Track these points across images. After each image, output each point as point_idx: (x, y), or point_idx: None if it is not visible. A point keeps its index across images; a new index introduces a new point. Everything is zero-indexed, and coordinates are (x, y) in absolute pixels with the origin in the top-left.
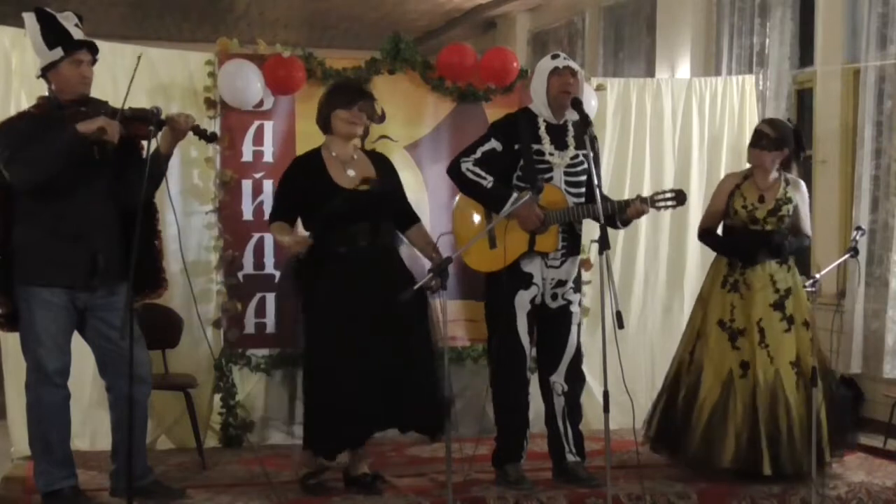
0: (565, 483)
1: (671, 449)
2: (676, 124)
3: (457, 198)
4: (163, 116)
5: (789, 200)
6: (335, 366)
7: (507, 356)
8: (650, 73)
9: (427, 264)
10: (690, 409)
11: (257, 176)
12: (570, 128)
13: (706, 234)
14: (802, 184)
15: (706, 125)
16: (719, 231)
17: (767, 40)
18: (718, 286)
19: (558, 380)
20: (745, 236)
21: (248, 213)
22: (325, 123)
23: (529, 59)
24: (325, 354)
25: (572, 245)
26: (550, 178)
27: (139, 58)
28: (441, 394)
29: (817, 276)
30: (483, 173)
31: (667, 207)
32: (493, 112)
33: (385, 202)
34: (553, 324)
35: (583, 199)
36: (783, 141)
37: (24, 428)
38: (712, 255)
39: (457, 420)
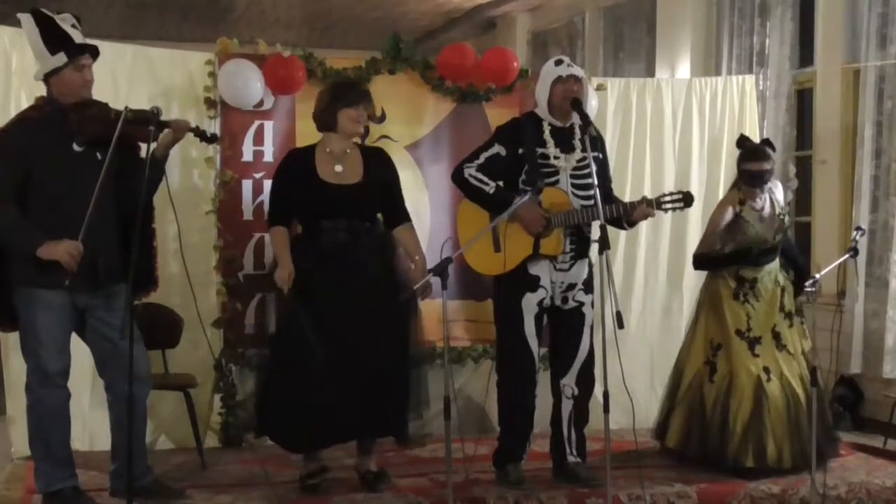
0: (565, 483)
1: (705, 458)
2: (676, 124)
3: (461, 202)
4: (162, 117)
5: (782, 210)
6: (299, 361)
7: (514, 358)
8: (650, 73)
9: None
10: (725, 417)
11: (257, 176)
12: (577, 131)
13: (705, 257)
14: (779, 185)
15: (706, 125)
16: None
17: (767, 40)
18: (731, 297)
19: (569, 383)
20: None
21: (248, 213)
22: (328, 121)
23: (529, 59)
24: (292, 348)
25: (581, 247)
26: (556, 182)
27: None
28: (406, 400)
29: (817, 276)
30: (486, 178)
31: (674, 209)
32: (494, 112)
33: (367, 198)
34: (566, 326)
35: (592, 202)
36: (772, 155)
37: (24, 428)
38: None
39: (456, 420)
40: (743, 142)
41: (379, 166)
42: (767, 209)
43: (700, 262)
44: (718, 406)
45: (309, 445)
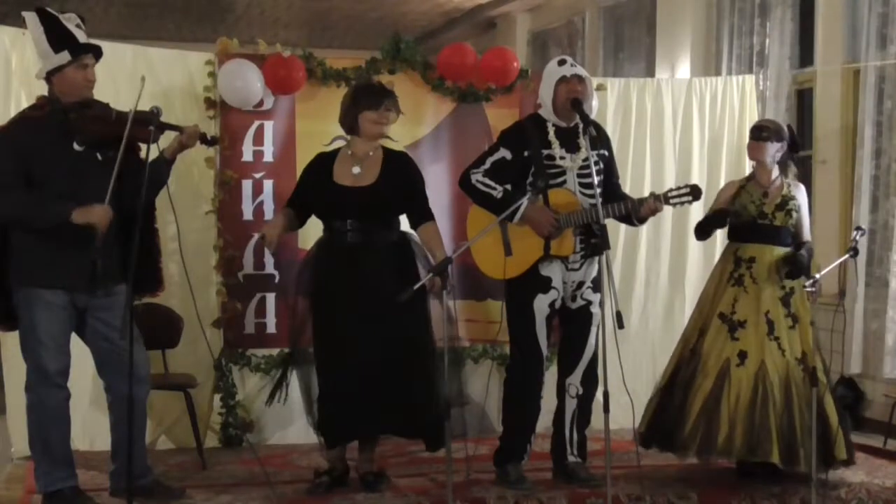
0: (565, 483)
1: (664, 441)
2: (677, 124)
3: (471, 207)
4: (163, 118)
5: (793, 198)
6: (322, 360)
7: (523, 360)
8: (650, 73)
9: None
10: (685, 398)
11: (257, 176)
12: (581, 130)
13: (702, 223)
14: (802, 188)
15: (706, 125)
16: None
17: (767, 40)
18: (725, 282)
19: (574, 382)
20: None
21: (248, 213)
22: (351, 125)
23: (529, 59)
24: (316, 347)
25: (590, 246)
26: (563, 182)
27: (143, 79)
28: (440, 403)
29: (817, 276)
30: (493, 184)
31: (682, 203)
32: (494, 112)
33: (377, 201)
34: (574, 325)
35: (601, 200)
36: (781, 132)
37: (24, 428)
38: (714, 255)
39: (464, 420)
40: None
41: (397, 169)
42: (774, 189)
43: (697, 228)
44: (681, 388)
45: (335, 441)
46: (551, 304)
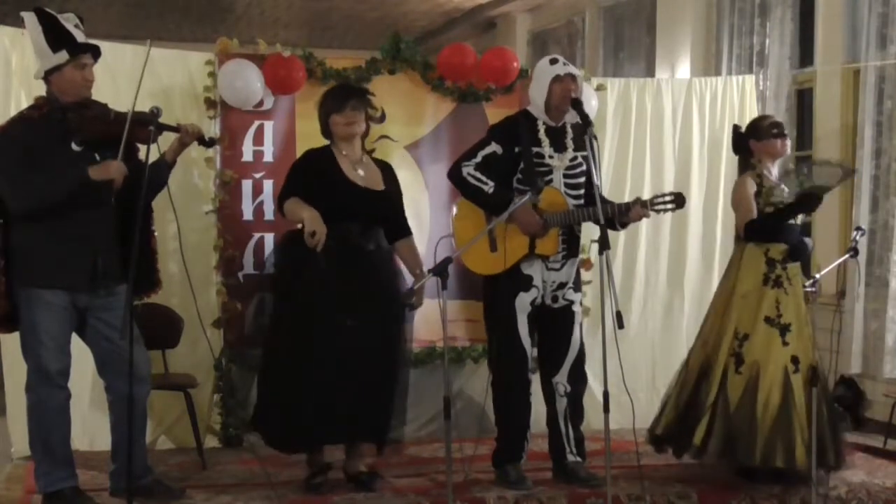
0: (565, 483)
1: (727, 457)
2: (676, 124)
3: (458, 201)
4: (162, 119)
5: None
6: (302, 363)
7: (508, 358)
8: (650, 73)
9: (408, 278)
10: (752, 413)
11: (257, 176)
12: (569, 130)
13: (755, 223)
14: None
15: (706, 125)
16: None
17: (767, 40)
18: (760, 284)
19: (561, 380)
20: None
21: (248, 213)
22: (325, 131)
23: (529, 59)
24: (297, 349)
25: (572, 247)
26: (550, 181)
27: (148, 50)
28: (392, 406)
29: (817, 276)
30: (484, 178)
31: (666, 210)
32: (494, 112)
33: (388, 208)
34: (556, 324)
35: (582, 201)
36: None
37: (24, 428)
38: (713, 255)
39: (456, 420)
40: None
41: (392, 179)
42: (783, 184)
43: (760, 227)
44: (746, 400)
45: (302, 446)
46: (532, 302)
